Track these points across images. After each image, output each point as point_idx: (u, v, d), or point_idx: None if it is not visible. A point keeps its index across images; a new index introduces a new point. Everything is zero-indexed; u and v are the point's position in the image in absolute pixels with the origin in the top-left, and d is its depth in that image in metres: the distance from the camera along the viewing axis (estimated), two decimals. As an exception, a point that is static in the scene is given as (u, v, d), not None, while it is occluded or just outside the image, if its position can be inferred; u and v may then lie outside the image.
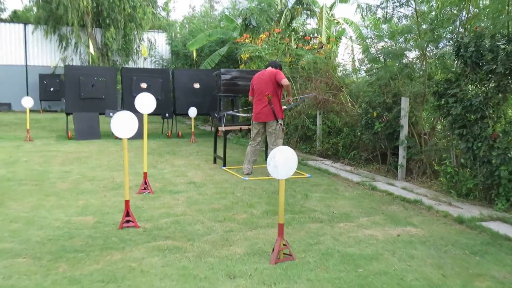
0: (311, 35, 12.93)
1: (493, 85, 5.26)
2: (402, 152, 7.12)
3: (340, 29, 13.12)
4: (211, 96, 12.66)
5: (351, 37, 12.58)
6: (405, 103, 7.05)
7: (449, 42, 6.65)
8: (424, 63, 7.13)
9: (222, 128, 7.57)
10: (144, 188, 5.87)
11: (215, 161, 8.21)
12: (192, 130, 11.49)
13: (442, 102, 5.92)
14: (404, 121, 7.04)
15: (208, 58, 13.49)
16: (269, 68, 7.02)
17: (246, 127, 7.76)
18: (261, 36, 10.96)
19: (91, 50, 12.80)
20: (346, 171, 7.59)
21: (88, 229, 4.41)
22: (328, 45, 11.48)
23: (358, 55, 11.93)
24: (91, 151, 9.40)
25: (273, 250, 3.76)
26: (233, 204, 5.38)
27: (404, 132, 7.08)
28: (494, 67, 5.05)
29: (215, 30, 13.58)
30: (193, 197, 5.68)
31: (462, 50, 5.47)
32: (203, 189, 6.11)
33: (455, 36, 6.38)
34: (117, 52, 21.72)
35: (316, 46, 11.89)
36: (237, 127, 7.71)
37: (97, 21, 21.64)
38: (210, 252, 3.87)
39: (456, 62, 6.01)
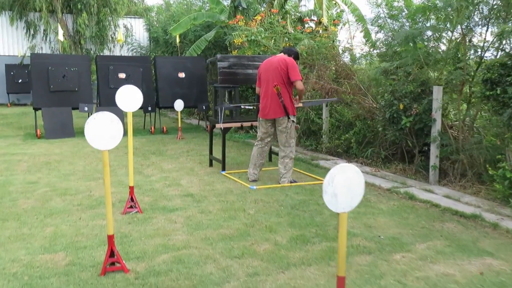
0: (307, 17, 11.69)
1: None
2: (434, 151, 6.03)
3: (338, 11, 11.93)
4: (198, 86, 11.38)
5: (347, 21, 11.43)
6: (438, 92, 5.94)
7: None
8: (462, 44, 6.00)
9: (220, 125, 6.35)
10: (131, 207, 4.63)
11: (211, 164, 6.99)
12: (179, 125, 10.20)
13: (498, 92, 4.81)
14: (437, 114, 5.95)
15: (194, 44, 12.15)
16: (281, 55, 5.80)
17: (248, 124, 6.55)
18: (255, 17, 9.69)
19: (60, 36, 11.32)
20: (367, 173, 6.47)
21: (57, 277, 3.17)
22: (333, 27, 10.29)
23: (358, 38, 10.73)
24: (63, 153, 8.05)
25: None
26: (247, 227, 4.19)
27: (437, 127, 5.98)
28: None
29: (200, 13, 12.23)
30: (194, 217, 4.46)
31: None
32: (204, 205, 4.89)
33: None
34: (91, 40, 20.09)
35: (316, 29, 10.68)
36: (238, 124, 6.49)
37: (68, 7, 19.95)
38: (236, 316, 2.69)
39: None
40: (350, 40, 10.67)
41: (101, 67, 10.68)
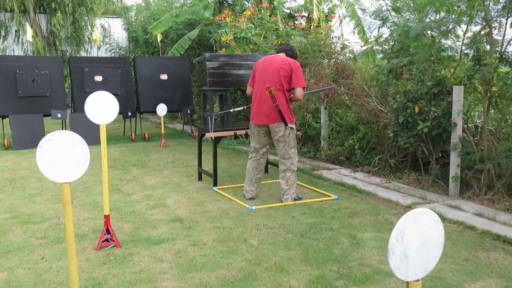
0: (297, 13, 10.93)
1: None
2: (455, 159, 5.31)
3: (330, 6, 11.18)
4: (183, 89, 10.52)
5: (345, 16, 10.70)
6: (458, 93, 5.23)
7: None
8: (488, 38, 5.28)
9: (211, 134, 5.52)
10: (107, 240, 3.77)
11: (200, 178, 6.15)
12: (162, 131, 9.32)
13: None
14: (458, 118, 5.23)
15: (176, 43, 11.27)
16: (282, 55, 5.00)
17: (242, 132, 5.73)
18: (245, 13, 8.86)
19: (29, 36, 10.32)
20: (378, 185, 5.72)
21: None
22: (326, 23, 9.54)
23: (349, 34, 10.00)
24: (32, 167, 7.12)
25: None
26: (252, 265, 3.38)
27: (458, 133, 5.27)
28: None
29: (183, 10, 11.34)
30: (184, 253, 3.63)
31: None
32: (196, 233, 4.06)
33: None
34: (66, 41, 19.03)
35: (306, 25, 9.93)
36: (231, 132, 5.66)
37: (41, 6, 18.85)
38: None
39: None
40: (341, 36, 9.92)
41: (75, 70, 9.73)
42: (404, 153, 6.43)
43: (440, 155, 5.73)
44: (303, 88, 4.87)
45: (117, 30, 20.31)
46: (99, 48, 19.71)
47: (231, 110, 5.66)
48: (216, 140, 5.65)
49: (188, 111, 10.47)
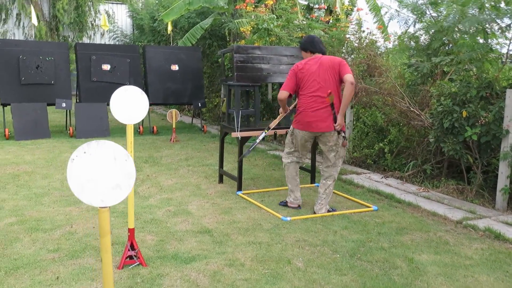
0: (317, 5, 10.39)
1: None
2: (505, 170, 4.83)
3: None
4: (194, 81, 10.00)
5: (376, 7, 10.15)
6: (512, 97, 4.75)
7: None
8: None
9: (237, 133, 5.02)
10: (131, 257, 3.27)
11: (221, 180, 5.66)
12: (173, 126, 8.81)
13: None
14: (511, 125, 4.75)
15: (188, 33, 10.71)
16: (325, 56, 4.48)
17: (271, 132, 5.22)
18: (266, 2, 8.30)
19: (34, 20, 9.77)
20: (417, 194, 5.25)
21: None
22: (349, 16, 9.03)
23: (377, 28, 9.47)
24: (36, 161, 6.61)
25: None
26: (304, 295, 2.90)
27: (509, 141, 4.79)
28: None
29: (197, -3, 10.77)
30: (221, 275, 3.14)
31: None
32: (230, 250, 3.57)
33: None
34: (69, 27, 18.41)
35: (326, 18, 9.40)
36: (259, 132, 5.16)
37: (44, -11, 18.21)
38: None
39: None
40: (369, 30, 9.42)
41: (81, 57, 9.18)
42: (440, 159, 5.96)
43: (484, 163, 5.27)
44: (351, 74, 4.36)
45: (121, 17, 19.68)
46: (102, 35, 19.11)
47: (266, 131, 4.97)
48: (243, 141, 5.16)
49: (199, 104, 9.96)
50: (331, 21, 9.47)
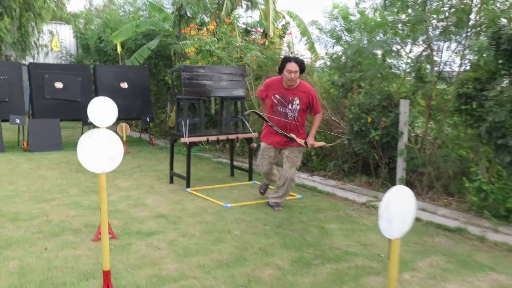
0: (254, 29, 11.59)
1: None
2: (401, 164, 6.10)
3: (284, 23, 11.95)
4: (142, 97, 10.82)
5: (302, 32, 11.48)
6: (404, 106, 6.03)
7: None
8: (430, 58, 6.14)
9: (185, 139, 5.97)
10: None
11: (171, 181, 6.56)
12: (124, 138, 9.58)
13: (474, 106, 4.95)
14: (404, 128, 6.03)
15: (135, 53, 11.56)
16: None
17: (214, 138, 6.22)
18: (208, 27, 9.36)
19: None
20: (335, 187, 6.40)
21: (42, 324, 2.68)
22: (282, 39, 10.26)
23: (305, 50, 10.79)
24: (-2, 171, 7.20)
25: None
26: (240, 250, 3.89)
27: (404, 140, 6.07)
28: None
29: (144, 20, 11.67)
30: (177, 242, 4.07)
31: (505, 44, 4.51)
32: (183, 227, 4.51)
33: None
34: (12, 46, 18.56)
35: (262, 41, 10.58)
36: (204, 138, 6.14)
37: (-14, 10, 18.30)
38: None
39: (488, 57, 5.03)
40: (297, 51, 10.68)
41: (35, 76, 9.79)
42: (356, 159, 7.18)
43: (388, 160, 6.52)
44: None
45: (66, 37, 20.08)
46: (46, 54, 19.39)
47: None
48: (190, 146, 6.11)
49: (147, 119, 10.78)
50: (266, 43, 10.65)
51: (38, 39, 19.41)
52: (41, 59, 19.51)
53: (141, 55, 11.47)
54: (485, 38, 5.13)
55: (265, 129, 5.40)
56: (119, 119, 11.70)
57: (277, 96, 5.16)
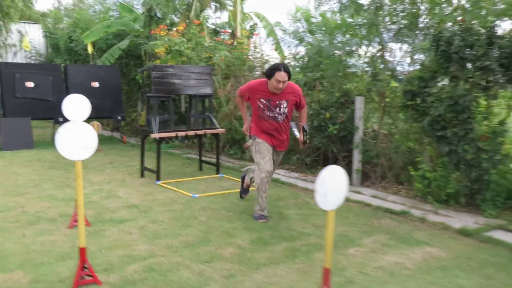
0: (222, 29, 11.97)
1: (481, 82, 4.89)
2: (357, 156, 6.60)
3: (252, 24, 12.37)
4: (113, 96, 11.05)
5: (268, 34, 11.93)
6: (360, 102, 6.53)
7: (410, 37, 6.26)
8: (382, 59, 6.66)
9: (155, 134, 6.31)
10: (77, 220, 4.44)
11: (142, 175, 6.89)
12: (96, 136, 9.78)
13: (418, 102, 5.47)
14: (359, 123, 6.53)
15: (106, 53, 11.77)
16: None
17: (182, 133, 6.58)
18: (177, 27, 9.69)
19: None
20: (297, 178, 6.86)
21: (25, 296, 3.01)
22: (250, 40, 10.67)
23: (271, 50, 11.30)
24: (-29, 169, 7.37)
25: (313, 304, 2.83)
26: (205, 233, 4.28)
27: (359, 134, 6.57)
28: (487, 63, 4.68)
29: (114, 21, 11.89)
30: (148, 228, 4.43)
31: (443, 45, 5.04)
32: (153, 215, 4.86)
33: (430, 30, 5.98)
34: (-21, 46, 18.41)
35: (231, 41, 10.98)
36: (173, 134, 6.49)
37: (-50, 8, 18.08)
38: (228, 315, 2.80)
39: (430, 57, 5.57)
40: (263, 51, 11.12)
41: (6, 75, 9.91)
42: (317, 153, 7.66)
43: (346, 153, 7.01)
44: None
45: (36, 37, 19.98)
46: (15, 54, 19.26)
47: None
48: (160, 141, 6.45)
49: (118, 118, 11.02)
50: (235, 43, 11.04)
51: (6, 39, 19.28)
52: (9, 59, 19.38)
53: (112, 55, 11.68)
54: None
55: (255, 127, 4.97)
56: (90, 118, 11.90)
57: (262, 100, 4.79)
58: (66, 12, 19.03)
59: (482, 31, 4.93)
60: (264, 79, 4.85)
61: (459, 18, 5.69)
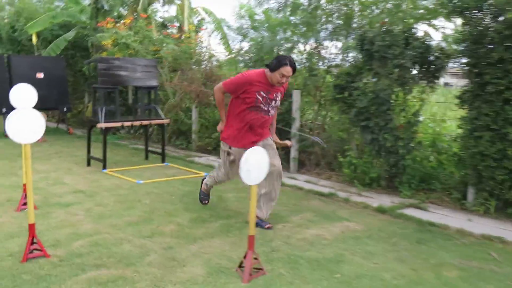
0: (170, 23, 12.21)
1: (397, 78, 5.51)
2: (294, 145, 7.12)
3: (199, 18, 12.68)
4: (59, 87, 11.04)
5: (214, 29, 12.27)
6: (297, 95, 7.05)
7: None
8: (319, 55, 7.20)
9: (101, 124, 6.55)
10: (25, 204, 4.67)
11: (89, 164, 7.10)
12: (41, 127, 9.80)
13: (346, 95, 6.04)
14: (296, 114, 7.05)
15: (52, 44, 11.70)
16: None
17: (128, 123, 6.85)
18: (125, 21, 9.85)
19: None
20: (239, 166, 7.30)
21: (-24, 268, 3.27)
22: (198, 34, 10.98)
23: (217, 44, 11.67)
24: None
25: (240, 266, 3.27)
26: (148, 214, 4.63)
27: (296, 125, 7.09)
28: (402, 61, 5.29)
29: (60, 12, 11.83)
30: (94, 210, 4.73)
31: (367, 44, 5.62)
32: (99, 199, 5.15)
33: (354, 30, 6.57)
34: None
35: (178, 35, 11.25)
36: (119, 124, 6.75)
37: None
38: (165, 277, 3.19)
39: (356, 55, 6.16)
40: (209, 46, 11.48)
41: None
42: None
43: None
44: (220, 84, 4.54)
45: (-26, 25, 19.25)
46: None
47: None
48: (106, 131, 6.69)
49: (64, 109, 11.03)
50: (182, 37, 11.31)
51: None
52: None
53: (58, 46, 11.64)
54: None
55: (233, 131, 4.51)
56: (35, 109, 11.79)
57: (262, 93, 4.32)
58: (8, 0, 18.45)
59: (400, 32, 5.54)
60: (260, 69, 4.42)
61: (386, 20, 6.33)
